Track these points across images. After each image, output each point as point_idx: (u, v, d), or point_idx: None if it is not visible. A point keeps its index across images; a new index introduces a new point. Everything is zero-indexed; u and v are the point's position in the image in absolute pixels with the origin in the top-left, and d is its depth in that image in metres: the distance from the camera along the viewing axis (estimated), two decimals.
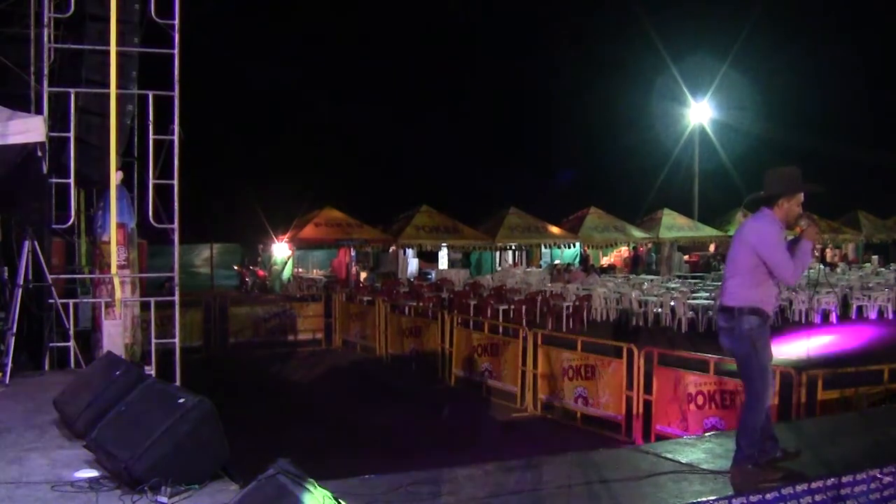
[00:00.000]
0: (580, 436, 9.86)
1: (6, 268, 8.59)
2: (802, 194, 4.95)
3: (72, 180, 9.00)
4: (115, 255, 9.01)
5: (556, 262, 28.70)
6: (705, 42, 39.94)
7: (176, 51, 9.25)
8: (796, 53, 39.13)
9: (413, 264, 29.36)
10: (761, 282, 4.87)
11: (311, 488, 3.14)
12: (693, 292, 18.84)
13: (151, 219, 9.36)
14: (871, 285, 20.71)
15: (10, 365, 7.56)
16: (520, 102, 43.67)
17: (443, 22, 43.89)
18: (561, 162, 41.58)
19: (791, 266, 4.79)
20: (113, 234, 9.03)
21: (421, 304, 17.18)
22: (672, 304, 17.73)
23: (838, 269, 25.68)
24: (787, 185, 4.92)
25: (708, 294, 18.32)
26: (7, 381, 7.42)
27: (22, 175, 8.65)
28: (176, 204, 9.34)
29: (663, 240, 29.27)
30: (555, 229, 27.41)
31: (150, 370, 8.65)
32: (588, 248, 29.05)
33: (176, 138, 9.25)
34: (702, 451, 5.61)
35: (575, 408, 10.46)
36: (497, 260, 31.20)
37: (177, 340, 9.39)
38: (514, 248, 30.23)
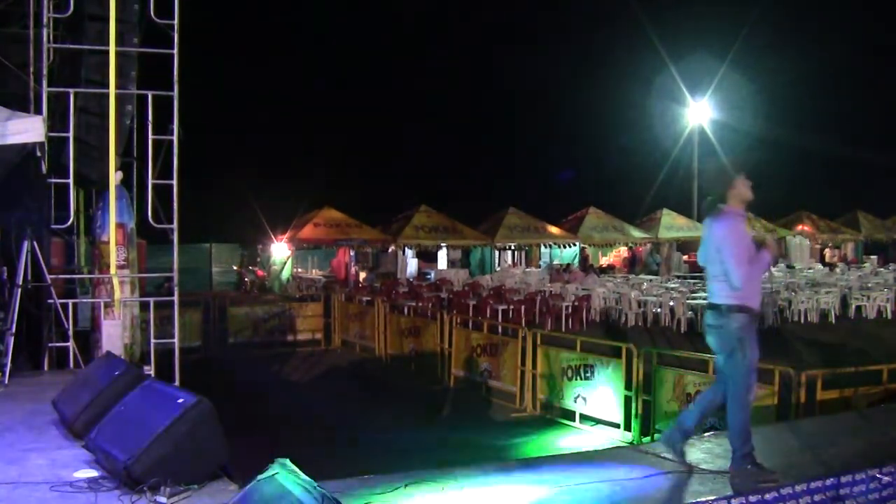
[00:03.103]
0: (579, 435, 9.87)
1: (5, 268, 8.57)
2: (744, 175, 5.00)
3: (71, 180, 9.00)
4: (114, 255, 9.01)
5: (556, 261, 28.66)
6: (704, 41, 39.90)
7: (175, 51, 9.25)
8: (795, 53, 39.17)
9: (412, 264, 29.31)
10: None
11: (310, 488, 3.14)
12: (692, 292, 18.83)
13: (151, 219, 9.36)
14: (870, 285, 20.71)
15: (9, 365, 7.56)
16: (519, 102, 43.70)
17: (443, 21, 43.98)
18: (561, 162, 41.62)
19: (743, 268, 4.80)
20: (112, 234, 9.03)
21: (420, 304, 17.15)
22: (671, 303, 17.73)
23: (837, 269, 25.65)
24: (722, 180, 5.00)
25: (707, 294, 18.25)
26: (6, 382, 7.42)
27: (21, 175, 8.65)
28: (175, 204, 9.34)
29: (662, 240, 29.25)
30: (554, 229, 27.37)
31: (150, 370, 8.65)
32: (587, 248, 29.03)
33: (175, 138, 9.25)
34: (701, 452, 5.61)
35: (574, 408, 10.47)
36: (496, 260, 31.16)
37: (176, 340, 9.39)
38: (513, 248, 30.19)
